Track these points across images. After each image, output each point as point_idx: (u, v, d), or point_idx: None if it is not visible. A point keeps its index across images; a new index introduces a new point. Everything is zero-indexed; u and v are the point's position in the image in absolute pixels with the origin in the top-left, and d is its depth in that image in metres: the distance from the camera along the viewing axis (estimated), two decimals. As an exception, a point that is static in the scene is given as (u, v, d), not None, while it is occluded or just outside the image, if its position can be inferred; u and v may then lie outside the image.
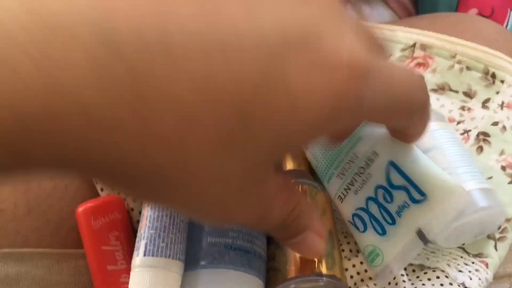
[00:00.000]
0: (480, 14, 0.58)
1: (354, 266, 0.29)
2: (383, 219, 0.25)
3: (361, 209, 0.27)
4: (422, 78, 0.20)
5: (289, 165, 0.32)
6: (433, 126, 0.28)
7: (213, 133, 0.14)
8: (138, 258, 0.25)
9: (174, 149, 0.14)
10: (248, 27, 0.14)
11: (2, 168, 0.13)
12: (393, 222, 0.25)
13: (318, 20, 0.15)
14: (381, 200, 0.25)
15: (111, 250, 0.27)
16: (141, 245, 0.25)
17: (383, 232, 0.25)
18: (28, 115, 0.12)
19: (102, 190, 0.29)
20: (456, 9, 0.60)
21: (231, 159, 0.15)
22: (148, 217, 0.25)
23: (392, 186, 0.25)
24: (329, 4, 0.16)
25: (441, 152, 0.27)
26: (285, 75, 0.14)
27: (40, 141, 0.12)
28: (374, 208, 0.26)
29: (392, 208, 0.25)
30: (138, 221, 0.28)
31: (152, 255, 0.24)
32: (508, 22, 0.56)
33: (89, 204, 0.27)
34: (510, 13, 0.56)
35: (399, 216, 0.25)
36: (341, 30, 0.15)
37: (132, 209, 0.28)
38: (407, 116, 0.20)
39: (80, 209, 0.26)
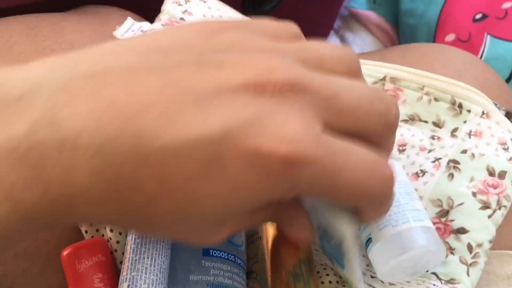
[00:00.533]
0: (458, 39, 0.60)
1: None
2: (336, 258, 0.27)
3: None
4: (388, 174, 0.19)
5: None
6: (397, 165, 0.30)
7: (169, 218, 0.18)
8: None
9: (144, 214, 0.18)
10: (196, 131, 0.16)
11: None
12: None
13: (267, 109, 0.17)
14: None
15: None
16: (123, 287, 0.25)
17: (342, 267, 0.26)
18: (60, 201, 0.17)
19: (86, 232, 0.30)
20: (435, 34, 0.62)
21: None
22: (130, 259, 0.26)
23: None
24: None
25: None
26: (225, 169, 0.17)
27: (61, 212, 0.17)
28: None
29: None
30: (121, 262, 0.29)
31: None
32: (484, 46, 0.58)
33: (73, 247, 0.28)
34: (486, 37, 0.58)
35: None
36: (289, 114, 0.17)
37: (116, 250, 0.29)
38: (356, 204, 0.20)
39: (65, 252, 0.27)
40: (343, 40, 0.68)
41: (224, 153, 0.16)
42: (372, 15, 0.68)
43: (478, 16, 0.60)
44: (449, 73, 0.36)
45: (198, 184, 0.17)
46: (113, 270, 0.29)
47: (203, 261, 0.27)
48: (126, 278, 0.25)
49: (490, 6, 0.59)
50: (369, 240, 0.29)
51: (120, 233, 0.29)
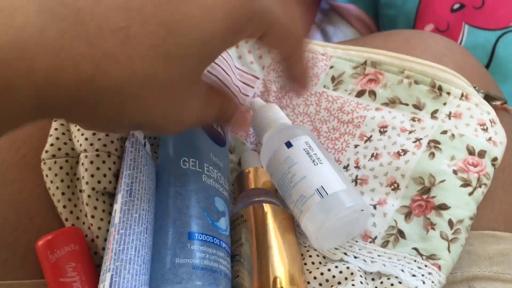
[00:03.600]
0: (437, 29, 0.63)
1: (322, 274, 0.31)
2: None
3: None
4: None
5: (256, 185, 0.35)
6: (304, 139, 0.32)
7: (149, 46, 0.21)
8: None
9: (122, 63, 0.20)
10: None
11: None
12: None
13: None
14: None
15: (69, 281, 0.28)
16: (106, 277, 0.26)
17: None
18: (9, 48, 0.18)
19: (66, 220, 0.31)
20: (414, 25, 0.65)
21: (169, 66, 0.22)
22: (113, 249, 0.26)
23: None
24: None
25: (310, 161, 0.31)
26: None
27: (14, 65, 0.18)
28: None
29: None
30: (103, 248, 0.30)
31: (118, 287, 0.26)
32: (462, 35, 0.60)
33: (46, 238, 0.28)
34: (464, 27, 0.61)
35: None
36: None
37: (97, 237, 0.30)
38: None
39: (39, 243, 0.28)
40: (324, 33, 0.70)
41: None
42: (352, 8, 0.70)
43: (456, 6, 0.62)
44: (429, 58, 0.38)
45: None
46: (87, 259, 0.29)
47: (188, 244, 0.28)
48: (110, 268, 0.26)
49: (468, -4, 0.62)
50: (300, 213, 0.31)
51: (101, 219, 0.30)
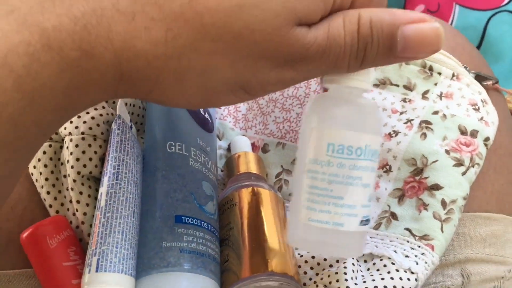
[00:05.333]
0: (428, 9, 0.63)
1: (313, 257, 0.31)
2: None
3: None
4: None
5: (246, 169, 0.35)
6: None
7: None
8: (89, 275, 0.26)
9: (192, 23, 0.21)
10: None
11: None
12: None
13: None
14: None
15: (73, 265, 0.28)
16: (92, 261, 0.26)
17: None
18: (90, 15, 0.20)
19: (50, 206, 0.31)
20: (404, 6, 0.65)
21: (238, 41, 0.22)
22: (99, 233, 0.27)
23: None
24: None
25: None
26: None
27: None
28: None
29: None
30: (89, 234, 0.30)
31: (105, 271, 0.26)
32: (453, 16, 0.61)
33: (38, 225, 0.28)
34: (455, 7, 0.61)
35: None
36: None
37: (83, 223, 0.30)
38: None
39: (30, 231, 0.28)
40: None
41: None
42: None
43: (447, -14, 0.62)
44: None
45: None
46: (80, 244, 0.30)
47: (175, 228, 0.28)
48: (96, 252, 0.26)
49: (458, -24, 0.62)
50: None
51: (87, 204, 0.30)
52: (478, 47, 0.57)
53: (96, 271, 0.26)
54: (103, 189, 0.28)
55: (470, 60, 0.39)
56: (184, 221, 0.29)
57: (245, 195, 0.32)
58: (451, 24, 0.60)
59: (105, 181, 0.28)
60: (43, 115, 0.20)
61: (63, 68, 0.20)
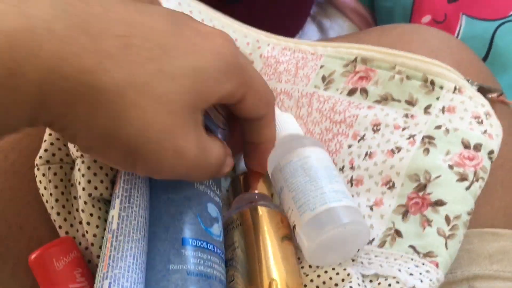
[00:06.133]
0: (434, 20, 0.64)
1: (319, 276, 0.32)
2: None
3: None
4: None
5: (251, 189, 0.36)
6: (308, 151, 0.33)
7: (145, 57, 0.24)
8: None
9: (122, 65, 0.23)
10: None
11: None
12: None
13: None
14: None
15: (79, 287, 0.29)
16: (104, 284, 0.26)
17: None
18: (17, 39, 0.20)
19: (60, 227, 0.32)
20: (411, 16, 0.66)
21: (165, 81, 0.24)
22: (111, 256, 0.27)
23: None
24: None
25: (309, 174, 0.32)
26: None
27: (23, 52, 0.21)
28: None
29: None
30: (98, 256, 0.31)
31: None
32: (460, 26, 0.61)
33: (46, 247, 0.29)
34: (462, 18, 0.62)
35: None
36: None
37: (92, 244, 0.31)
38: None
39: (38, 253, 0.29)
40: (320, 26, 0.71)
41: None
42: (348, 0, 0.71)
43: (453, -4, 0.63)
44: (426, 53, 0.39)
45: None
46: (87, 265, 0.31)
47: (182, 251, 0.29)
48: (107, 275, 0.27)
49: (465, -14, 0.63)
50: (294, 227, 0.32)
51: (97, 226, 0.31)
52: (485, 57, 0.57)
53: None
54: (114, 212, 0.28)
55: (476, 74, 0.40)
56: (190, 243, 0.30)
57: (249, 215, 0.33)
58: (458, 34, 0.61)
59: (117, 203, 0.29)
60: None
61: None
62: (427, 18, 0.64)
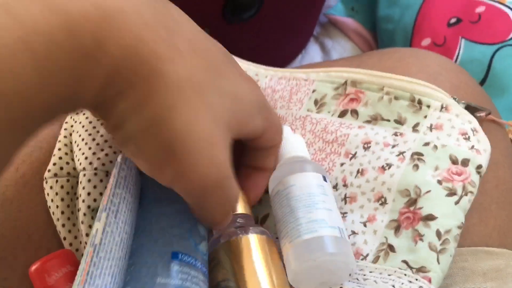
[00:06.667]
0: (434, 43, 0.66)
1: None
2: None
3: None
4: None
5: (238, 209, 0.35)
6: (293, 179, 0.34)
7: (205, 65, 0.26)
8: None
9: (186, 61, 0.25)
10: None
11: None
12: None
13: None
14: None
15: None
16: None
17: None
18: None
19: (64, 239, 0.33)
20: (411, 39, 0.68)
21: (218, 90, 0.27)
22: (89, 272, 0.26)
23: None
24: None
25: (289, 205, 0.34)
26: None
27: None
28: None
29: None
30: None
31: None
32: (459, 49, 0.63)
33: (40, 262, 0.30)
34: (461, 41, 0.63)
35: None
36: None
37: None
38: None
39: (33, 268, 0.30)
40: (322, 46, 0.73)
41: None
42: (350, 22, 0.74)
43: (453, 20, 0.65)
44: (424, 77, 0.40)
45: None
46: None
47: (171, 264, 0.29)
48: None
49: (464, 11, 0.65)
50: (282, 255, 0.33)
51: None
52: (483, 80, 0.59)
53: None
54: (99, 225, 0.27)
55: (474, 98, 0.41)
56: (179, 258, 0.29)
57: (228, 249, 0.32)
58: (457, 57, 0.62)
59: (103, 217, 0.28)
60: (52, 99, 0.21)
61: (75, 55, 0.21)
62: (427, 41, 0.66)
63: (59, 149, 0.35)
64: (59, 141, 0.36)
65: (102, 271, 0.26)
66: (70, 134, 0.36)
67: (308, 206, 0.33)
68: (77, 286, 0.26)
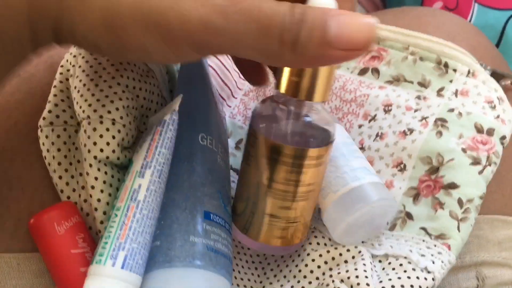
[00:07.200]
0: (445, 7, 0.63)
1: (328, 252, 0.32)
2: None
3: None
4: None
5: None
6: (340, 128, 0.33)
7: None
8: (113, 268, 0.25)
9: None
10: None
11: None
12: None
13: None
14: None
15: (81, 252, 0.28)
16: (119, 255, 0.25)
17: None
18: None
19: (62, 191, 0.31)
20: (422, 3, 0.65)
21: None
22: (131, 228, 0.26)
23: None
24: None
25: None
26: None
27: None
28: None
29: None
30: (101, 222, 0.29)
31: (130, 270, 0.25)
32: (472, 14, 0.61)
33: (46, 211, 0.28)
34: (474, 5, 0.61)
35: None
36: None
37: (96, 209, 0.29)
38: None
39: (38, 216, 0.28)
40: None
41: None
42: (358, -16, 0.71)
43: (465, -16, 0.63)
44: (442, 36, 0.38)
45: None
46: (89, 231, 0.30)
47: (204, 224, 0.28)
48: (124, 247, 0.25)
49: (477, -26, 0.63)
50: (319, 211, 0.32)
51: (101, 191, 0.29)
52: (496, 46, 0.57)
53: (122, 267, 0.25)
54: (143, 182, 0.27)
55: (491, 61, 0.40)
56: (211, 218, 0.28)
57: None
58: (469, 22, 0.61)
59: (147, 174, 0.27)
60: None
61: None
62: (438, 4, 0.63)
63: (55, 95, 0.32)
64: (55, 86, 0.33)
65: (144, 229, 0.26)
66: (67, 79, 0.33)
67: (344, 156, 0.32)
68: (116, 240, 0.26)
